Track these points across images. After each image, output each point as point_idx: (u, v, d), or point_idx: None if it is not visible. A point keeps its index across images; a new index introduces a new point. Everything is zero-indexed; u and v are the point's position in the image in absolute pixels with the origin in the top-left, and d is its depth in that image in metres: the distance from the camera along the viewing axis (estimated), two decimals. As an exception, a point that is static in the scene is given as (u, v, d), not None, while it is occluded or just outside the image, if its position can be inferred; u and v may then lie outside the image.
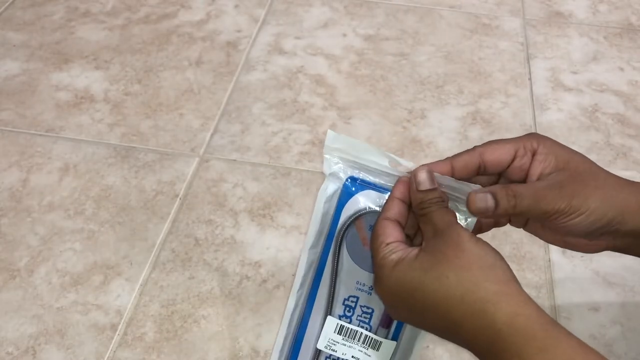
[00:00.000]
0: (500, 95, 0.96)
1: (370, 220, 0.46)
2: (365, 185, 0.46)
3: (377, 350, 0.47)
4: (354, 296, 0.47)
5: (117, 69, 1.00)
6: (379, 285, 0.42)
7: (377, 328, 0.48)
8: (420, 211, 0.42)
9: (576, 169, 0.42)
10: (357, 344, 0.48)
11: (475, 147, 0.44)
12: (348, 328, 0.48)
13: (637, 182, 0.43)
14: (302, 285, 0.49)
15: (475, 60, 1.03)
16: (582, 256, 0.75)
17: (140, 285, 0.71)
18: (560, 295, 0.71)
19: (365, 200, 0.46)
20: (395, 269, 0.40)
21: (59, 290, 0.71)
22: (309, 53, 1.04)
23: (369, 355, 0.48)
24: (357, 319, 0.48)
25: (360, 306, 0.47)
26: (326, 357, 0.50)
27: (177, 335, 0.67)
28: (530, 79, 1.00)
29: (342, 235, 0.47)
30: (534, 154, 0.43)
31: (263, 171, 0.84)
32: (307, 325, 0.50)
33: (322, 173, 0.46)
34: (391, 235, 0.42)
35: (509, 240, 0.76)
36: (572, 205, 0.40)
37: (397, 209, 0.43)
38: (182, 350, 0.66)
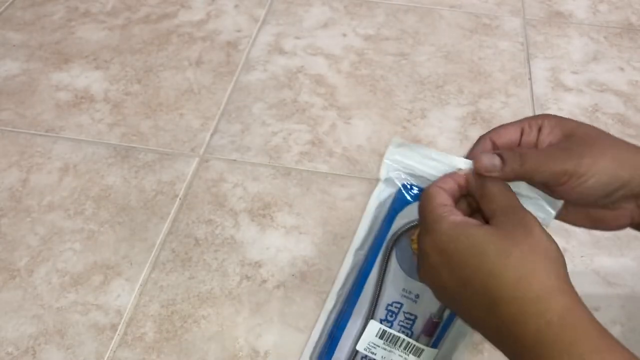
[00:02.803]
0: (501, 95, 0.96)
1: None
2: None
3: (418, 357, 0.47)
4: (398, 302, 0.47)
5: (117, 69, 1.00)
6: (430, 236, 0.39)
7: (420, 335, 0.48)
8: (483, 190, 0.40)
9: (584, 134, 0.41)
10: (398, 350, 0.48)
11: (482, 136, 0.44)
12: (390, 333, 0.48)
13: None
14: (343, 285, 0.50)
15: (476, 60, 1.03)
16: (582, 256, 0.75)
17: (140, 285, 0.71)
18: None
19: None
20: (456, 228, 0.38)
21: (59, 290, 0.71)
22: (309, 53, 1.04)
23: None
24: (398, 325, 0.48)
25: (404, 312, 0.47)
26: (362, 358, 0.50)
27: (177, 335, 0.67)
28: (530, 79, 1.00)
29: (394, 242, 0.46)
30: (539, 130, 0.43)
31: (263, 171, 0.84)
32: (345, 325, 0.50)
33: (377, 179, 0.46)
34: (448, 200, 0.40)
35: (509, 240, 0.76)
36: (581, 164, 0.39)
37: (451, 185, 0.42)
38: (182, 350, 0.66)
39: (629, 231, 0.77)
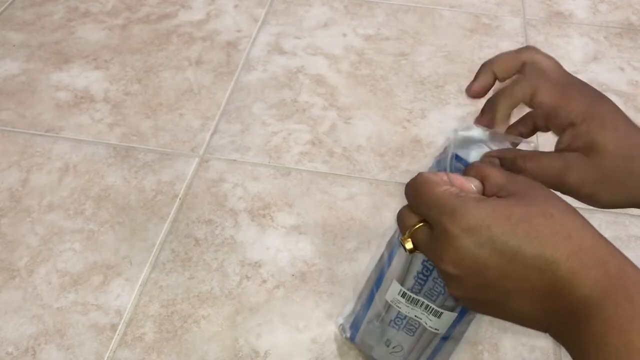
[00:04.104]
0: (501, 95, 0.96)
1: None
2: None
3: (438, 318, 0.51)
4: (428, 269, 0.49)
5: (117, 68, 1.00)
6: (457, 219, 0.36)
7: (446, 299, 0.50)
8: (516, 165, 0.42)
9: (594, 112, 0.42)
10: (419, 309, 0.52)
11: (484, 66, 0.47)
12: (410, 295, 0.51)
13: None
14: (389, 243, 0.54)
15: (476, 60, 1.03)
16: (582, 256, 0.75)
17: (140, 285, 0.71)
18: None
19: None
20: (483, 204, 0.36)
21: (58, 290, 0.71)
22: (309, 53, 1.04)
23: (430, 320, 0.51)
24: (425, 293, 0.50)
25: (434, 278, 0.49)
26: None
27: (177, 335, 0.67)
28: (530, 78, 1.00)
29: None
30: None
31: (263, 171, 0.84)
32: (382, 278, 0.54)
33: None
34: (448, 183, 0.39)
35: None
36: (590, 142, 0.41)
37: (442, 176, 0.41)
38: (182, 350, 0.66)
39: (629, 231, 0.77)
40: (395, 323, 0.55)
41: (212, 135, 0.89)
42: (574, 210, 0.37)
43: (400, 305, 0.53)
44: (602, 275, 0.33)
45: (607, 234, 0.77)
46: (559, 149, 0.43)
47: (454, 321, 0.52)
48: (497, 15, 1.13)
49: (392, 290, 0.52)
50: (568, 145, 0.43)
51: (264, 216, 0.78)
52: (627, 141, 0.42)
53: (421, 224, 0.39)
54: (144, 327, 0.67)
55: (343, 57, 1.03)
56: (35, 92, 0.96)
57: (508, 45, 1.06)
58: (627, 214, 0.79)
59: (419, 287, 0.50)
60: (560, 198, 0.37)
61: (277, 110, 0.93)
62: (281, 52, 1.04)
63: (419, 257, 0.49)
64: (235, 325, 0.68)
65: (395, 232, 0.53)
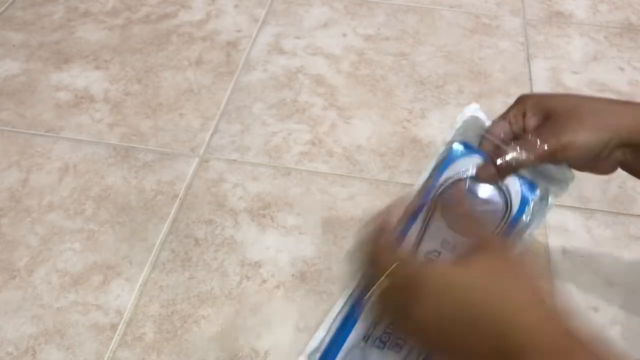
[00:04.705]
0: (501, 95, 0.96)
1: (470, 185, 0.48)
2: (478, 152, 0.49)
3: None
4: (436, 251, 0.48)
5: (117, 68, 1.00)
6: (425, 282, 0.38)
7: None
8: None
9: (563, 109, 0.46)
10: None
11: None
12: None
13: (631, 102, 0.46)
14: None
15: (476, 60, 1.03)
16: (581, 256, 0.74)
17: (140, 285, 0.71)
18: (560, 295, 0.71)
19: (474, 162, 0.48)
20: (438, 269, 0.39)
21: (58, 290, 0.71)
22: (309, 53, 1.04)
23: None
24: None
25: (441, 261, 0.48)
26: None
27: (177, 335, 0.67)
28: (530, 79, 1.00)
29: (439, 194, 0.48)
30: (524, 116, 0.47)
31: (263, 171, 0.84)
32: None
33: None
34: (394, 236, 0.42)
35: (509, 240, 0.76)
36: (560, 140, 0.44)
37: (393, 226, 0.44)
38: (182, 351, 0.66)
39: (629, 231, 0.77)
40: (381, 341, 0.50)
41: (212, 135, 0.89)
42: (524, 272, 0.38)
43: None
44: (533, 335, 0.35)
45: (607, 233, 0.77)
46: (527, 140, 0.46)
47: None
48: (497, 15, 1.13)
49: None
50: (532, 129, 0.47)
51: (264, 216, 0.78)
52: (571, 100, 0.47)
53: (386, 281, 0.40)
54: (144, 327, 0.67)
55: (343, 57, 1.03)
56: (35, 92, 0.96)
57: (508, 45, 1.06)
58: (627, 214, 0.79)
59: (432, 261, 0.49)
60: (516, 259, 0.39)
61: (277, 110, 0.93)
62: (281, 52, 1.04)
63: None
64: (235, 325, 0.68)
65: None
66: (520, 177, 0.48)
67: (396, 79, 0.99)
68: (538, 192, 0.48)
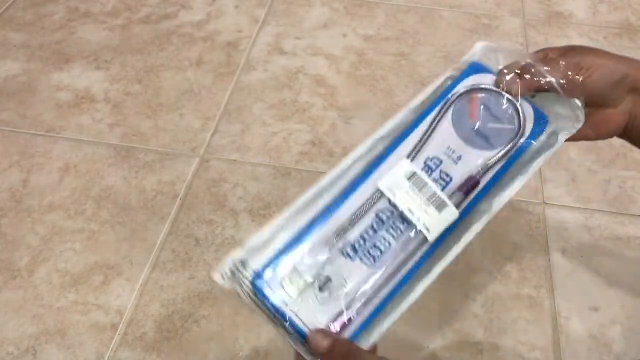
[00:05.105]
0: (500, 95, 0.96)
1: (485, 100, 0.48)
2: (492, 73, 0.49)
3: (439, 212, 0.44)
4: (438, 158, 0.47)
5: (117, 69, 1.00)
6: None
7: (454, 192, 0.45)
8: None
9: (581, 47, 0.51)
10: (421, 198, 0.45)
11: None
12: (420, 177, 0.45)
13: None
14: (385, 136, 0.50)
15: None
16: (582, 256, 0.75)
17: (140, 285, 0.71)
18: (560, 295, 0.71)
19: (488, 80, 0.49)
20: None
21: (59, 290, 0.71)
22: (309, 53, 1.04)
23: (427, 214, 0.44)
24: (432, 182, 0.46)
25: (441, 171, 0.46)
26: (380, 196, 0.46)
27: (177, 335, 0.67)
28: (530, 79, 1.00)
29: (453, 100, 0.48)
30: (545, 54, 0.51)
31: (263, 171, 0.84)
32: (379, 165, 0.48)
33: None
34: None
35: (509, 240, 0.76)
36: (585, 59, 0.48)
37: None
38: (182, 350, 0.66)
39: (629, 232, 0.77)
40: (353, 248, 0.44)
41: (212, 135, 0.89)
42: None
43: (395, 193, 0.45)
44: None
45: (607, 234, 0.77)
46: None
47: (449, 227, 0.44)
48: (497, 15, 1.13)
49: (396, 173, 0.46)
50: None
51: (264, 216, 0.79)
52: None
53: None
54: (144, 327, 0.68)
55: (343, 58, 1.03)
56: (36, 92, 0.96)
57: (508, 45, 1.06)
58: (627, 214, 0.79)
59: (431, 169, 0.46)
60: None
61: (277, 110, 0.93)
62: (281, 52, 1.04)
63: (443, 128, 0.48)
64: (235, 325, 0.68)
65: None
66: (536, 108, 0.47)
67: (396, 79, 0.99)
68: (550, 125, 0.47)
